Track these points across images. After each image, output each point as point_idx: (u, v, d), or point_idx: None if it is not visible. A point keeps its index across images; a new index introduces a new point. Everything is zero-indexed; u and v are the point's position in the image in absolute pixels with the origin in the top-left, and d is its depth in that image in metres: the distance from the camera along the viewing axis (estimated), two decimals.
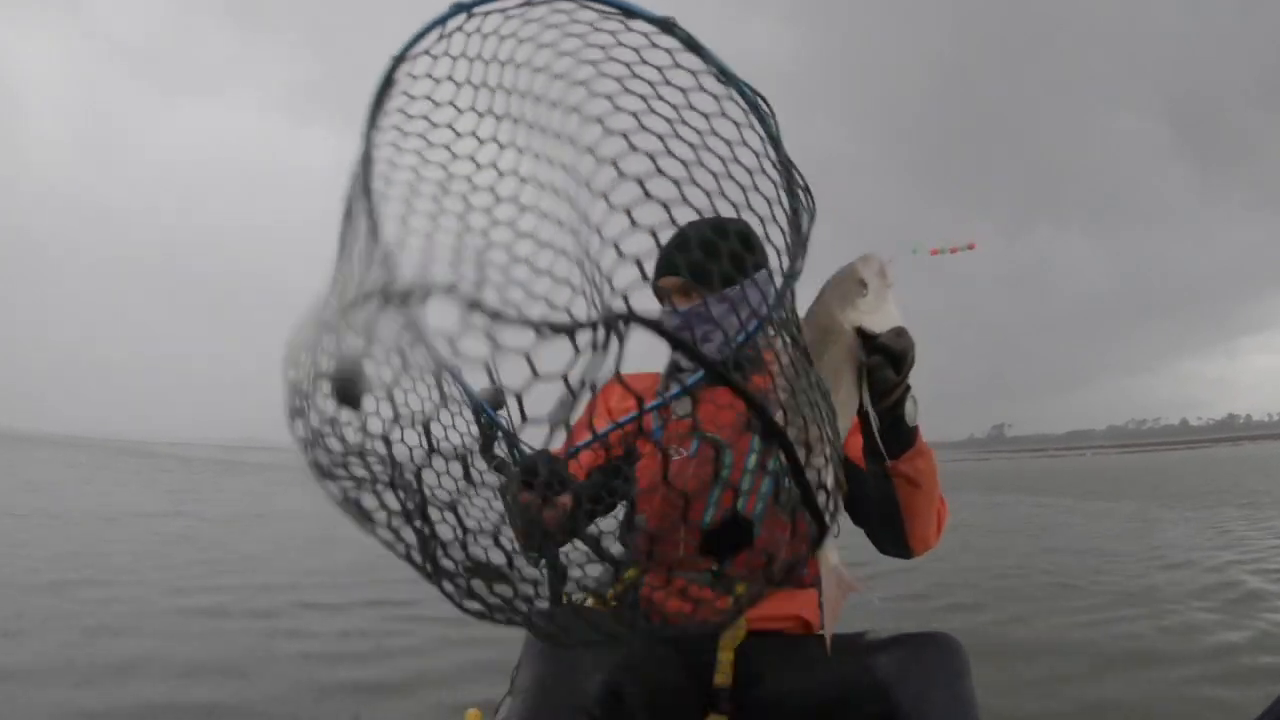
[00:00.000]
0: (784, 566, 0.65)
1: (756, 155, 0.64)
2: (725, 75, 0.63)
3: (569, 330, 0.43)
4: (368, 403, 0.51)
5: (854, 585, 0.90)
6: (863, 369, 0.94)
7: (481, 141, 0.69)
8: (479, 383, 1.68)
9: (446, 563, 0.57)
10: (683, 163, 0.64)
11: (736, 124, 0.64)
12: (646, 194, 0.63)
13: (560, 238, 0.74)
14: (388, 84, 0.60)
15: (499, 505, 0.75)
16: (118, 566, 5.32)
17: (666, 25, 0.63)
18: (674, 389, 1.33)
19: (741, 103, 0.64)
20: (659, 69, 0.62)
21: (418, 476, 0.59)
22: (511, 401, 1.83)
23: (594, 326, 0.42)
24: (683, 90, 0.62)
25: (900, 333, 0.94)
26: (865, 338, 0.94)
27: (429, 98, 0.65)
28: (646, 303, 1.20)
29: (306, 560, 5.96)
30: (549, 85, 0.66)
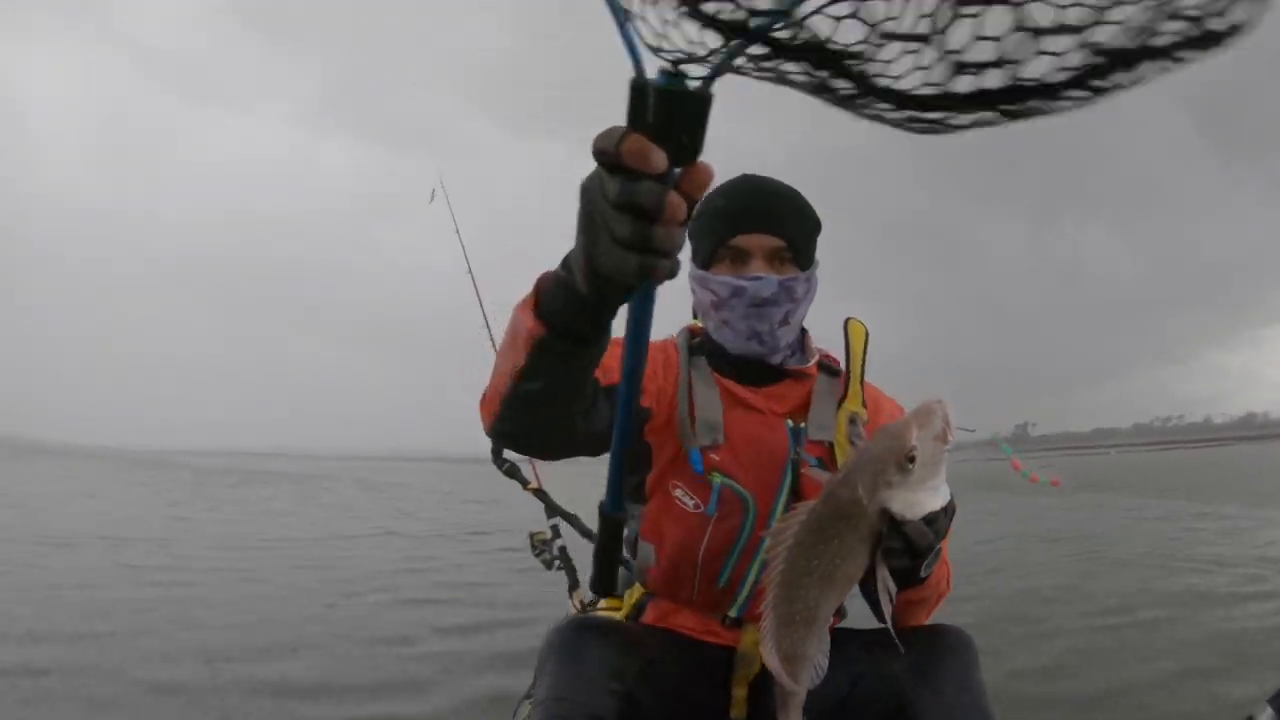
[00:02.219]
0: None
1: None
2: None
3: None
4: None
5: (793, 687, 0.86)
6: (878, 547, 0.84)
7: None
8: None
9: None
10: None
11: None
12: None
13: None
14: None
15: None
16: None
17: None
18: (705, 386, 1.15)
19: None
20: None
21: None
22: None
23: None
24: None
25: (935, 520, 0.83)
26: (890, 517, 0.82)
27: None
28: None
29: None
30: None
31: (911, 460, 0.79)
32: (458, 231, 1.94)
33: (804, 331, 1.26)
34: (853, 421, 1.15)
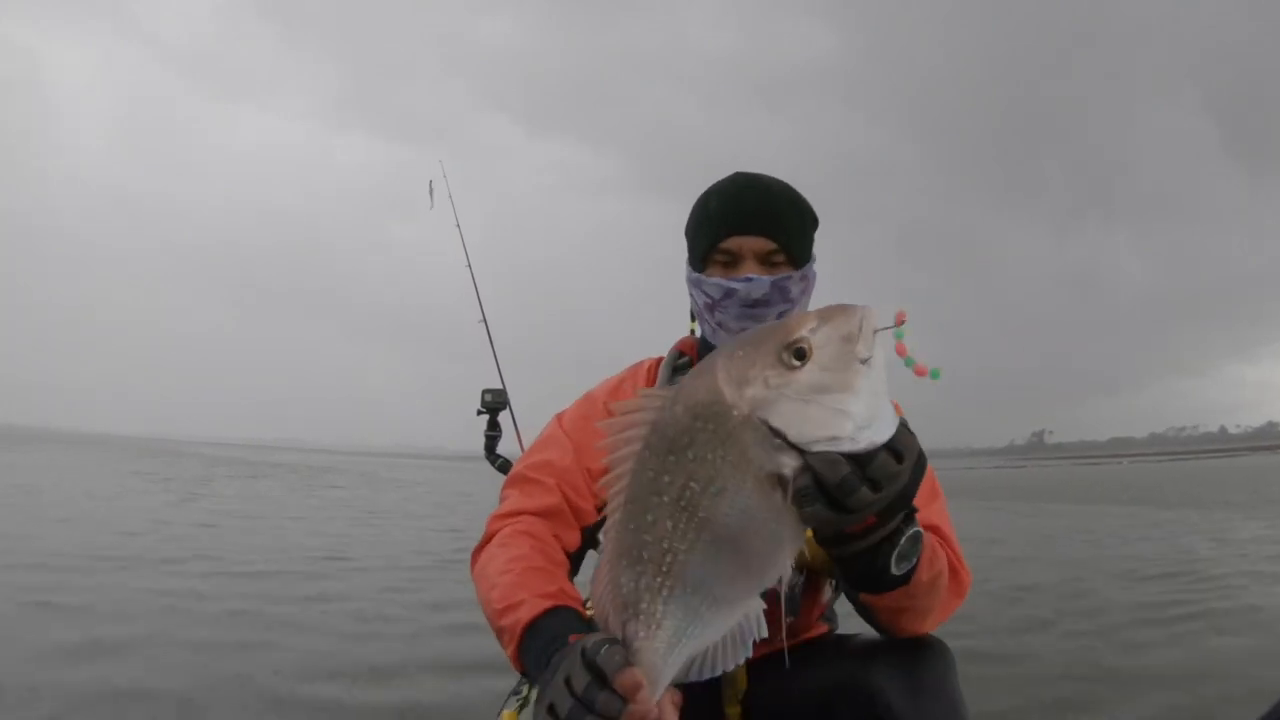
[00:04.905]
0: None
1: None
2: None
3: None
4: None
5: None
6: (785, 490, 0.60)
7: None
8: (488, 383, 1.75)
9: None
10: None
11: None
12: None
13: None
14: None
15: None
16: None
17: None
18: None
19: None
20: None
21: None
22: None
23: None
24: None
25: (869, 459, 0.61)
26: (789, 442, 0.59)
27: None
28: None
29: None
30: None
31: (800, 357, 0.59)
32: (458, 225, 1.94)
33: None
34: None
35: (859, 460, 0.60)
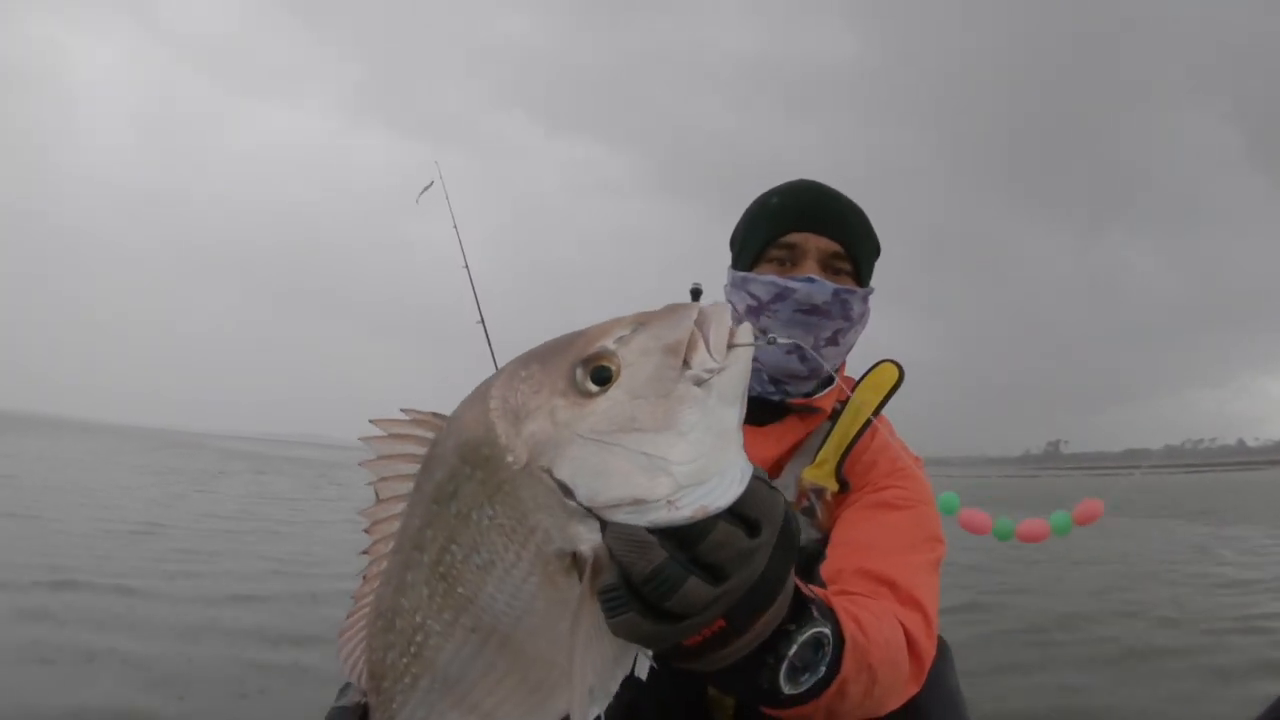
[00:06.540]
0: None
1: None
2: None
3: None
4: None
5: None
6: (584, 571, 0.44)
7: None
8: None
9: None
10: None
11: None
12: None
13: None
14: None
15: None
16: None
17: None
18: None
19: None
20: None
21: None
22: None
23: None
24: None
25: (697, 536, 0.42)
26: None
27: None
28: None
29: None
30: None
31: (601, 379, 0.42)
32: (455, 225, 1.89)
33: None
34: (806, 495, 0.95)
35: (683, 537, 0.41)
